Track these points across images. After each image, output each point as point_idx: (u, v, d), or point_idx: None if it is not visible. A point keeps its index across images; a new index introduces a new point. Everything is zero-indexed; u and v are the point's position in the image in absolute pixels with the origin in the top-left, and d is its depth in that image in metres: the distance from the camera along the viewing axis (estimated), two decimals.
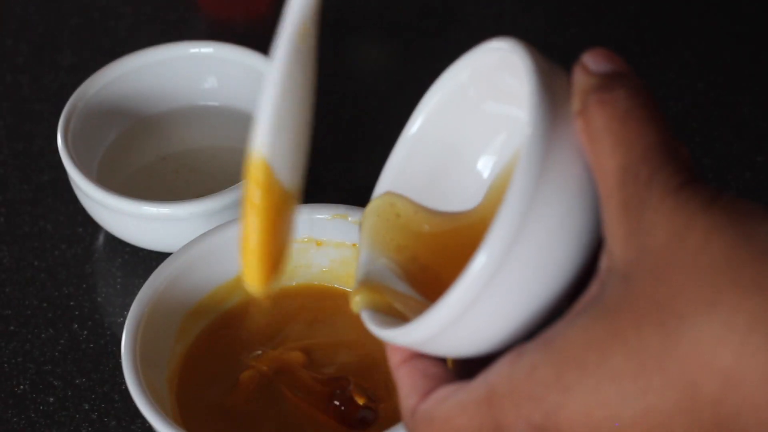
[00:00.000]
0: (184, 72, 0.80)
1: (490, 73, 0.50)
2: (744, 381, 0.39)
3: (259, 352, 0.65)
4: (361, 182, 0.79)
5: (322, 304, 0.68)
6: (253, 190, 0.51)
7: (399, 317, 0.50)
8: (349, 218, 0.67)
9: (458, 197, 0.53)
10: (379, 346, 0.65)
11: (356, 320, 0.66)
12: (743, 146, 0.80)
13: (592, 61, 0.45)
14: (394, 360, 0.49)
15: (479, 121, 0.52)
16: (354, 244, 0.67)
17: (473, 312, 0.43)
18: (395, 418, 0.61)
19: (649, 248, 0.41)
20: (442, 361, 0.48)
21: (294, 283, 0.68)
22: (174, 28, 0.90)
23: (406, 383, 0.47)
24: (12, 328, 0.71)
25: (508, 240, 0.42)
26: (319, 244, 0.67)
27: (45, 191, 0.79)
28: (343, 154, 0.81)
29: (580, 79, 0.45)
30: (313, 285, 0.69)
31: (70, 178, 0.73)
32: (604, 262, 0.43)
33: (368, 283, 0.51)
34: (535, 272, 0.43)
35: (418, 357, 0.48)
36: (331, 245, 0.67)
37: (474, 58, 0.50)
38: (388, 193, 0.53)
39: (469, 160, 0.53)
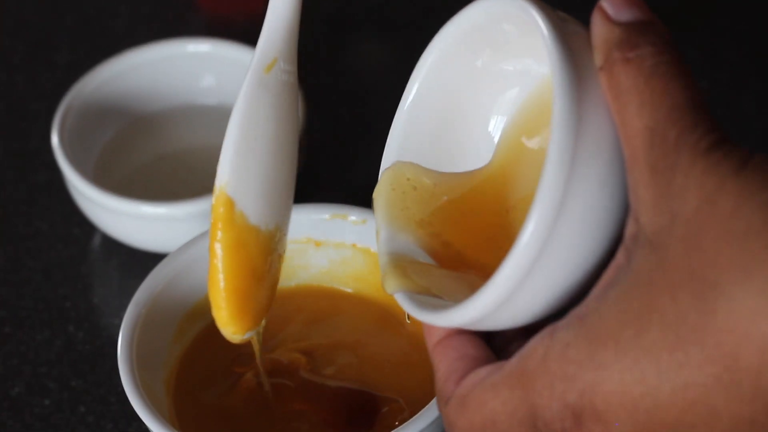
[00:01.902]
0: (182, 70, 0.80)
1: (484, 28, 0.50)
2: None
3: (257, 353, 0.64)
4: (361, 182, 0.79)
5: (321, 305, 0.68)
6: (214, 224, 0.51)
7: (433, 295, 0.49)
8: (349, 218, 0.66)
9: (467, 155, 0.53)
10: (379, 346, 0.65)
11: (356, 321, 0.66)
12: (747, 144, 0.79)
13: (612, 8, 0.43)
14: (431, 339, 0.48)
15: (477, 77, 0.52)
16: (354, 245, 0.67)
17: (525, 284, 0.43)
18: (395, 418, 0.61)
19: (680, 214, 0.40)
20: (479, 337, 0.48)
21: (293, 284, 0.68)
22: (171, 26, 0.90)
23: (442, 366, 0.47)
24: (7, 329, 0.71)
25: (557, 199, 0.41)
26: (318, 244, 0.67)
27: (40, 191, 0.79)
28: (342, 154, 0.81)
29: (601, 30, 0.43)
30: (312, 286, 0.68)
31: (65, 178, 0.73)
32: (629, 229, 0.42)
33: (397, 262, 0.50)
34: (582, 233, 0.43)
35: (454, 335, 0.48)
36: (330, 245, 0.67)
37: (467, 16, 0.50)
38: (398, 163, 0.52)
39: (472, 116, 0.53)
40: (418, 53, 0.88)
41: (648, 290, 0.40)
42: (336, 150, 0.81)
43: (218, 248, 0.51)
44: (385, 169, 0.52)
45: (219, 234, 0.51)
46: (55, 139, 0.73)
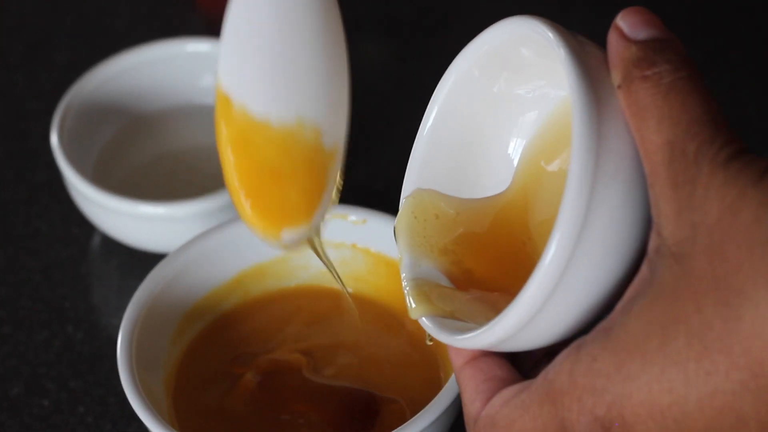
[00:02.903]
0: (181, 69, 0.80)
1: (500, 52, 0.50)
2: None
3: (257, 354, 0.64)
4: (361, 182, 0.79)
5: (320, 305, 0.67)
6: (217, 123, 0.49)
7: (457, 319, 0.50)
8: (349, 218, 0.66)
9: (487, 178, 0.53)
10: (379, 347, 0.65)
11: (355, 321, 0.66)
12: (749, 145, 0.79)
13: (629, 27, 0.44)
14: (457, 362, 0.49)
15: (495, 101, 0.52)
16: (354, 245, 0.66)
17: (550, 303, 0.43)
18: (396, 419, 0.60)
19: (702, 225, 0.40)
20: (505, 359, 0.48)
21: (293, 284, 0.68)
22: (171, 25, 0.90)
23: (469, 388, 0.47)
24: (6, 329, 0.71)
25: (580, 218, 0.42)
26: None
27: (40, 191, 0.78)
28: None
29: (618, 49, 0.43)
30: (311, 286, 0.68)
31: (64, 178, 0.72)
32: (652, 242, 0.42)
33: (420, 288, 0.50)
34: (605, 250, 0.43)
35: (480, 357, 0.48)
36: (330, 246, 0.67)
37: (484, 40, 0.50)
38: (418, 190, 0.52)
39: (491, 140, 0.53)
40: (418, 53, 0.88)
41: (672, 301, 0.40)
42: None
43: (223, 145, 0.49)
44: (406, 197, 0.52)
45: (222, 131, 0.49)
46: (54, 139, 0.73)
